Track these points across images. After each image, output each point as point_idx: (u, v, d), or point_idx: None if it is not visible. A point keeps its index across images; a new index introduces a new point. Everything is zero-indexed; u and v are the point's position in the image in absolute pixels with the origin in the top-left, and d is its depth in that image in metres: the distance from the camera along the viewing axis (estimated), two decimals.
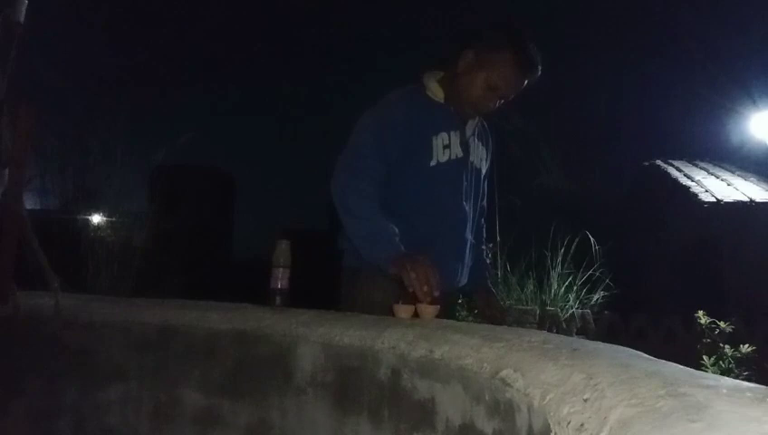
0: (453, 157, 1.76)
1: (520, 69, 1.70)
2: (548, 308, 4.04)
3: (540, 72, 1.74)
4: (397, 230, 1.59)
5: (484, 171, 1.92)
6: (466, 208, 1.82)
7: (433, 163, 1.73)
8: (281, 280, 1.71)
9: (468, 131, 1.83)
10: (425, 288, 1.45)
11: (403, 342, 1.24)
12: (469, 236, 1.86)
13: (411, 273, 1.47)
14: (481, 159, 1.90)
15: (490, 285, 2.07)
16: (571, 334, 3.82)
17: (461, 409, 1.07)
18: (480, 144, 1.89)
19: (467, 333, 1.16)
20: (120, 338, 1.69)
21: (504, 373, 0.94)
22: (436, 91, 1.78)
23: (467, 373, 1.05)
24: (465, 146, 1.81)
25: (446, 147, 1.75)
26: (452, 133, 1.77)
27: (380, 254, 1.58)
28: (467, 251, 1.85)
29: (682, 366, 0.79)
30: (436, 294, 1.47)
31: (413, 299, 1.48)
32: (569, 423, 0.68)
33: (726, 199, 7.64)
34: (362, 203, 1.62)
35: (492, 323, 1.81)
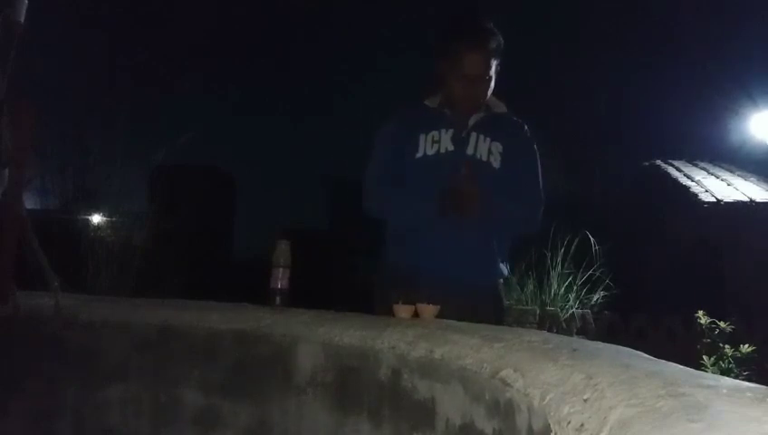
0: (442, 150, 1.87)
1: (468, 46, 1.83)
2: (548, 308, 4.04)
3: (491, 33, 1.84)
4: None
5: (496, 164, 1.87)
6: None
7: (419, 155, 1.88)
8: (281, 280, 1.72)
9: (471, 124, 1.88)
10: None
11: (403, 342, 1.24)
12: (470, 222, 1.80)
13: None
14: (491, 152, 1.87)
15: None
16: (571, 334, 3.82)
17: (461, 409, 1.07)
18: (488, 139, 1.88)
19: (467, 333, 1.16)
20: (120, 338, 1.68)
21: (503, 373, 0.94)
22: (432, 101, 1.95)
23: (467, 373, 1.05)
24: (459, 140, 1.87)
25: (436, 142, 1.88)
26: (443, 131, 1.89)
27: (431, 200, 1.79)
28: (468, 235, 1.81)
29: (682, 366, 0.79)
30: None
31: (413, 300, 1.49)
32: (569, 423, 0.68)
33: (726, 199, 7.64)
34: (392, 198, 1.90)
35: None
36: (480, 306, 1.73)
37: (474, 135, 1.87)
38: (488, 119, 1.90)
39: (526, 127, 1.98)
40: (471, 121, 1.88)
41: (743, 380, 1.93)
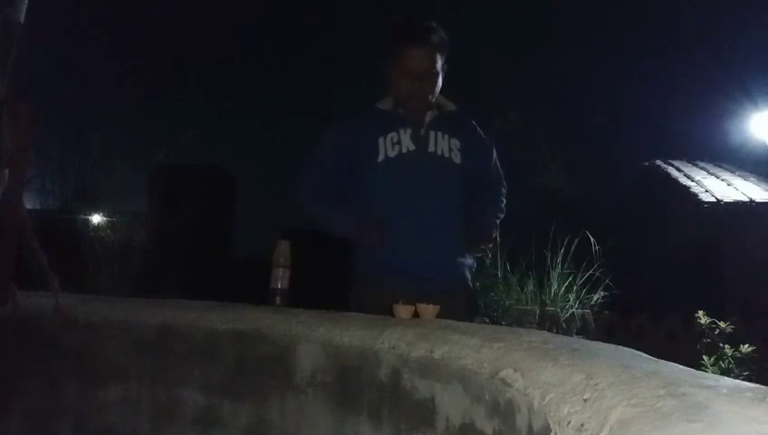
0: (404, 151, 1.89)
1: (411, 42, 1.88)
2: (548, 308, 4.03)
3: (432, 29, 1.89)
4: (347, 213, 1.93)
5: (457, 160, 1.92)
6: (425, 193, 1.87)
7: (381, 159, 1.89)
8: (281, 280, 1.72)
9: (427, 121, 1.91)
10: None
11: (403, 342, 1.24)
12: (439, 218, 1.86)
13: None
14: (450, 149, 1.92)
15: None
16: (571, 334, 3.81)
17: (461, 409, 1.07)
18: (446, 135, 1.92)
19: (467, 333, 1.16)
20: (120, 338, 1.69)
21: (503, 374, 0.94)
22: (385, 103, 1.98)
23: (467, 373, 1.05)
24: (418, 139, 1.90)
25: (396, 143, 1.90)
26: (401, 131, 1.90)
27: (345, 231, 1.92)
28: (438, 231, 1.85)
29: (682, 366, 0.79)
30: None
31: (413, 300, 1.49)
32: (569, 423, 0.68)
33: (726, 199, 7.65)
34: (315, 207, 1.96)
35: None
36: (451, 300, 1.73)
37: (432, 133, 1.91)
38: (442, 116, 1.96)
39: (473, 122, 2.04)
40: (427, 119, 1.92)
41: (743, 380, 1.93)
